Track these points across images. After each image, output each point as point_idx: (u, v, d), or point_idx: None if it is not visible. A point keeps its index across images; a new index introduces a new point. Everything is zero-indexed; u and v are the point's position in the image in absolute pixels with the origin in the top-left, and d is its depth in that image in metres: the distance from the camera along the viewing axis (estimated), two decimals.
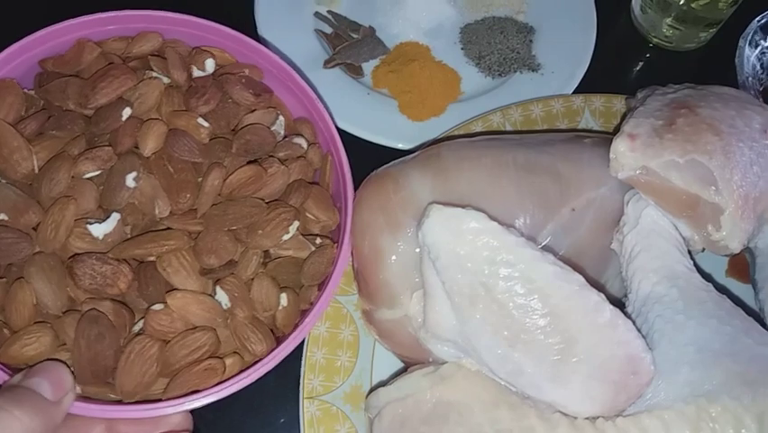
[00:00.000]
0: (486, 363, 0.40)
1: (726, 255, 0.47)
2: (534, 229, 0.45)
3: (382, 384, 0.44)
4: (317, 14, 0.68)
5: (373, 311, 0.46)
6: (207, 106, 0.47)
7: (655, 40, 0.70)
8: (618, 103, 0.59)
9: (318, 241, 0.47)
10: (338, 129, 0.57)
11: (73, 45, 0.48)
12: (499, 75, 0.66)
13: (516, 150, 0.48)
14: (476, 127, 0.58)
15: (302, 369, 0.48)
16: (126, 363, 0.40)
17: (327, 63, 0.64)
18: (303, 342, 0.48)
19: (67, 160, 0.43)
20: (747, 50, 0.60)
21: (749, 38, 0.60)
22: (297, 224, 0.45)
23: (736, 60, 0.59)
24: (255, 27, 0.65)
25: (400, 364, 0.49)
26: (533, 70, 0.66)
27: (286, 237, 0.45)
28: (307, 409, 0.47)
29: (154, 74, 0.48)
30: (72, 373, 0.39)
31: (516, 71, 0.66)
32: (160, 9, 0.50)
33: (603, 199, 0.47)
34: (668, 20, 0.67)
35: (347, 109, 0.62)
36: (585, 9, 0.68)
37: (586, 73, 0.65)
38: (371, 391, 0.46)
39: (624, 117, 0.49)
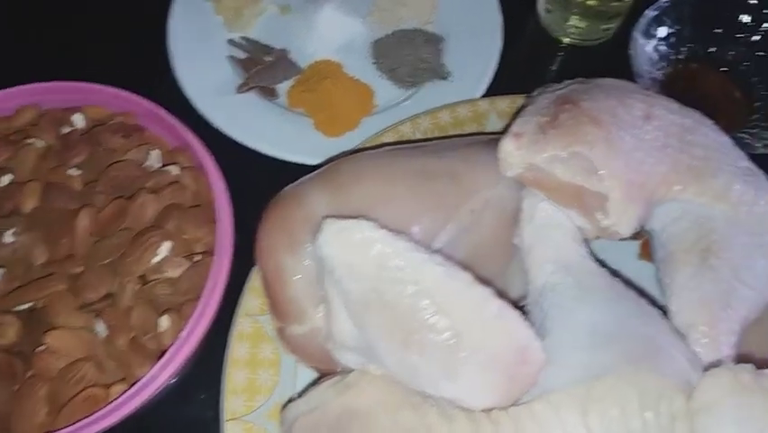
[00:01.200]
0: (386, 366, 0.41)
1: (621, 240, 0.48)
2: (431, 233, 0.46)
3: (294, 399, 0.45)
4: (231, 41, 0.70)
5: (285, 328, 0.47)
6: (79, 157, 0.52)
7: (563, 38, 0.72)
8: (523, 102, 0.61)
9: (198, 258, 0.49)
10: (257, 152, 0.61)
11: None
12: (412, 85, 0.68)
13: (414, 158, 0.49)
14: (387, 138, 0.59)
15: (222, 392, 0.49)
16: (18, 407, 0.42)
17: (241, 88, 0.65)
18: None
19: None
20: (642, 40, 0.62)
21: (643, 29, 0.62)
22: (167, 245, 0.48)
23: (630, 51, 0.61)
24: (168, 59, 0.67)
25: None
26: (443, 78, 0.67)
27: (156, 260, 0.48)
28: (231, 431, 0.48)
29: (30, 141, 0.53)
30: None
31: (427, 81, 0.67)
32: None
33: (501, 197, 0.49)
34: (572, 17, 0.69)
35: (263, 131, 0.63)
36: (490, 14, 0.70)
37: (500, 77, 0.67)
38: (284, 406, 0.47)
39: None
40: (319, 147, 0.62)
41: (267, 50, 0.69)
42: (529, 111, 0.49)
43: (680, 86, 0.65)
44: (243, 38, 0.70)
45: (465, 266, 0.46)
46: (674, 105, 0.49)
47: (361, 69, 0.69)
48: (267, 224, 0.47)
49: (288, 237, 0.46)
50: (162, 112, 0.52)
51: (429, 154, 0.49)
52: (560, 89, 0.51)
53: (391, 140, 0.59)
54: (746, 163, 0.49)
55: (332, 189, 0.47)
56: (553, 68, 0.72)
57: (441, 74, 0.67)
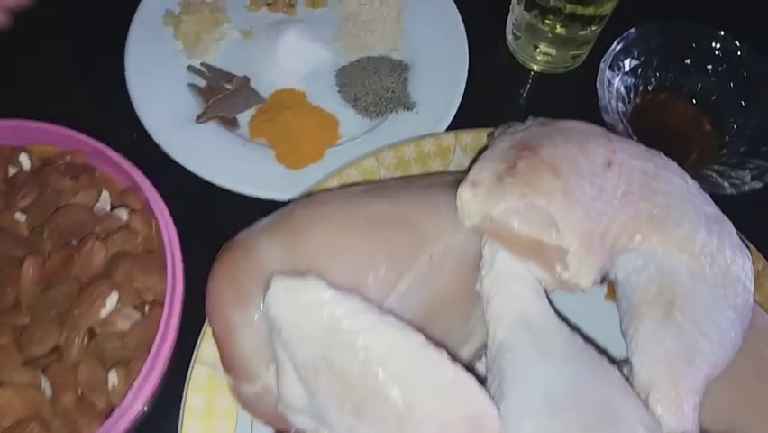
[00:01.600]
0: None
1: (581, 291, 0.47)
2: (388, 283, 0.45)
3: None
4: (190, 68, 0.67)
5: (236, 385, 0.45)
6: (25, 200, 0.50)
7: (532, 65, 0.70)
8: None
9: (147, 308, 0.48)
10: (217, 186, 0.59)
11: None
12: (376, 115, 0.66)
13: (370, 202, 0.48)
14: (350, 173, 0.58)
15: None
16: None
17: (200, 118, 0.63)
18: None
19: None
20: (609, 72, 0.60)
21: (610, 61, 0.61)
22: (115, 296, 0.46)
23: (597, 85, 0.60)
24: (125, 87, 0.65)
25: None
26: (408, 109, 0.66)
27: (105, 312, 0.46)
28: None
29: None
30: None
31: (392, 111, 0.66)
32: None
33: (462, 243, 0.47)
34: (540, 44, 0.68)
35: (223, 164, 0.61)
36: (457, 42, 0.68)
37: (467, 105, 0.66)
38: None
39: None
40: (282, 180, 0.61)
41: (228, 77, 0.67)
42: (488, 156, 0.47)
43: (648, 118, 0.64)
44: (204, 64, 0.68)
45: (425, 316, 0.46)
46: (637, 150, 0.48)
47: (326, 97, 0.67)
48: (215, 276, 0.45)
49: (236, 291, 0.44)
50: (110, 152, 0.50)
51: (385, 199, 0.48)
52: (520, 131, 0.49)
53: (354, 174, 0.58)
54: (712, 209, 0.48)
55: (284, 238, 0.45)
56: (522, 96, 0.71)
57: (406, 104, 0.66)
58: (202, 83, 0.67)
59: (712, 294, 0.46)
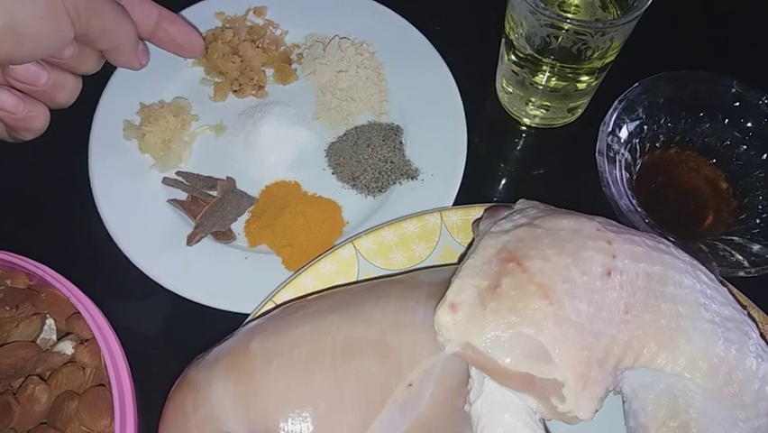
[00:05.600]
0: None
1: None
2: (359, 426, 0.40)
3: None
4: (166, 181, 0.60)
5: None
6: None
7: (525, 120, 0.64)
8: (477, 214, 0.54)
9: None
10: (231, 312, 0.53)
11: None
12: (379, 191, 0.60)
13: (339, 326, 0.42)
14: (325, 265, 0.52)
15: None
16: None
17: (190, 240, 0.56)
18: None
19: None
20: (610, 138, 0.54)
21: (611, 125, 0.54)
22: None
23: (597, 154, 0.53)
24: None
25: None
26: (412, 177, 0.60)
27: None
28: None
29: None
30: None
31: (395, 183, 0.60)
32: None
33: (445, 363, 0.42)
34: (533, 99, 0.61)
35: (226, 285, 0.55)
36: (447, 92, 0.62)
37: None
38: None
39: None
40: None
41: (210, 182, 0.60)
42: (468, 268, 0.41)
43: (656, 176, 0.58)
44: (180, 173, 0.61)
45: None
46: (641, 249, 0.42)
47: (321, 182, 0.61)
48: (162, 424, 0.41)
49: None
50: (54, 280, 0.45)
51: (357, 321, 0.43)
52: (506, 232, 0.43)
53: (330, 265, 0.52)
54: (730, 311, 0.43)
55: (238, 381, 0.40)
56: (518, 152, 0.65)
57: (408, 173, 0.60)
58: (182, 195, 0.60)
59: (730, 417, 0.40)
